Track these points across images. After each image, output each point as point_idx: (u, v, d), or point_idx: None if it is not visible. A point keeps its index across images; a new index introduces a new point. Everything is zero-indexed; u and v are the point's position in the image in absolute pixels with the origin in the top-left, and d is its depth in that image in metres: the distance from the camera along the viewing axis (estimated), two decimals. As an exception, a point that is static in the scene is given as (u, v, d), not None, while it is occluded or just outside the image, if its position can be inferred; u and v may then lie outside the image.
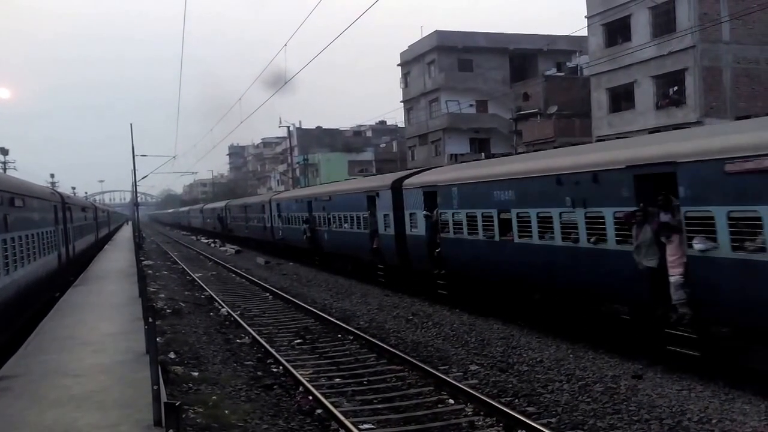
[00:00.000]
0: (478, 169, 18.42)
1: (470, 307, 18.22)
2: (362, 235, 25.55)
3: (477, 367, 12.97)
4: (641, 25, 35.62)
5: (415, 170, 24.79)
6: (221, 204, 67.16)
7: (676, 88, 34.67)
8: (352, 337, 16.44)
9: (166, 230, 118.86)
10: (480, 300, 18.09)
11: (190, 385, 12.36)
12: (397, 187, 22.41)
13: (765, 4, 30.50)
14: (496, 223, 16.38)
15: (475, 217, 17.28)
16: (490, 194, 16.49)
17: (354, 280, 26.98)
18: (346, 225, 27.53)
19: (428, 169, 23.34)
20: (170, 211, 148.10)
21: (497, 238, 16.36)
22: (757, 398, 10.10)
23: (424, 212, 20.16)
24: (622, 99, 38.17)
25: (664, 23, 34.70)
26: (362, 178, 36.85)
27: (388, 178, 24.07)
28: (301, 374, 12.85)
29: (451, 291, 19.32)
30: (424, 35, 57.16)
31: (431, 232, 19.98)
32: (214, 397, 11.52)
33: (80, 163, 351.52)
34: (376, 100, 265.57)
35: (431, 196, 19.96)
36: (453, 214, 18.50)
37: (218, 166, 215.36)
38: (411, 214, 21.31)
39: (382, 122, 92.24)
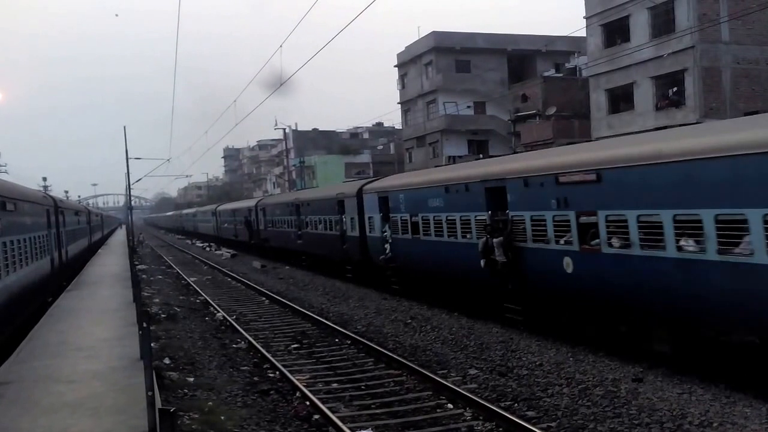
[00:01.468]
0: None
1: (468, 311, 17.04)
2: None
3: (476, 371, 12.87)
4: (640, 25, 35.53)
5: None
6: (249, 203, 51.34)
7: (675, 89, 34.56)
8: (349, 342, 16.31)
9: (160, 234, 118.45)
10: None
11: (186, 390, 12.27)
12: None
13: (764, 5, 30.45)
14: None
15: None
16: None
17: (351, 284, 26.56)
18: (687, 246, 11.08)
19: None
20: (170, 213, 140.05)
21: None
22: (758, 401, 10.05)
23: None
24: (621, 100, 38.07)
25: (663, 24, 34.60)
26: None
27: None
28: (298, 379, 12.74)
29: None
30: (422, 36, 57.14)
31: None
32: (210, 403, 11.42)
33: (73, 166, 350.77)
34: (373, 102, 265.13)
35: None
36: None
37: (213, 168, 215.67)
38: None
39: (379, 124, 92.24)
